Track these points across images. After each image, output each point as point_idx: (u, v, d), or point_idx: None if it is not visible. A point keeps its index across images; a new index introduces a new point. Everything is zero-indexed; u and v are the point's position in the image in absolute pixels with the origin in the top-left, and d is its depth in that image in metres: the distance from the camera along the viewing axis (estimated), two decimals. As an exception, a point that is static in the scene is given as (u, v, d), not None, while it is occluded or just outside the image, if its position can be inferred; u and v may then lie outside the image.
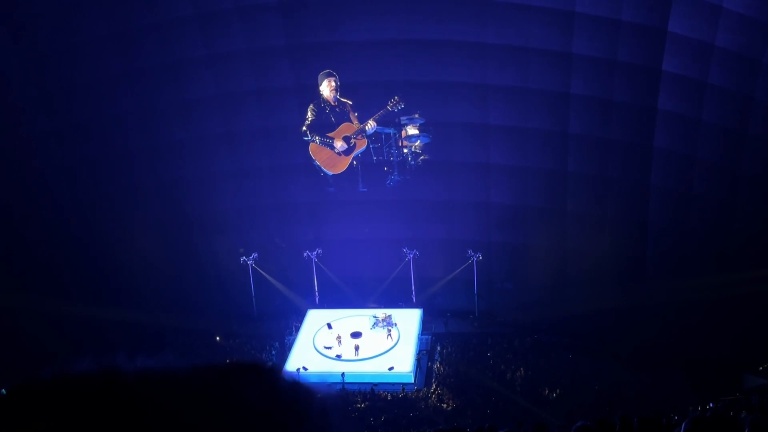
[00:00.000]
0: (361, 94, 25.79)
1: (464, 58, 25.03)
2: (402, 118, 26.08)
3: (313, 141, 26.44)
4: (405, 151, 26.78)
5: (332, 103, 26.17)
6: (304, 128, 26.36)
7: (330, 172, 26.89)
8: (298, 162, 27.09)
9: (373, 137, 26.56)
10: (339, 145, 26.38)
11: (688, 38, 22.98)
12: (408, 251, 28.14)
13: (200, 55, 25.73)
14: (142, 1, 24.65)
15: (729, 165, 24.48)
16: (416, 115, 26.02)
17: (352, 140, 26.47)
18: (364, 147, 26.60)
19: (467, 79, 25.39)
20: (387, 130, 26.46)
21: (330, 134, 26.50)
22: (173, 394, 1.40)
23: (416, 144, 26.62)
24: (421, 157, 26.70)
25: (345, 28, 25.06)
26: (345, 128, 26.45)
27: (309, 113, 26.33)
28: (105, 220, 27.07)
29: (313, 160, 26.71)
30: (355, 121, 26.29)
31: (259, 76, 26.20)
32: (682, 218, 25.67)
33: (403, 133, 26.43)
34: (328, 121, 26.35)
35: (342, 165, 26.79)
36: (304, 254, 28.46)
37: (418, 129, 26.32)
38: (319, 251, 28.53)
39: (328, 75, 25.94)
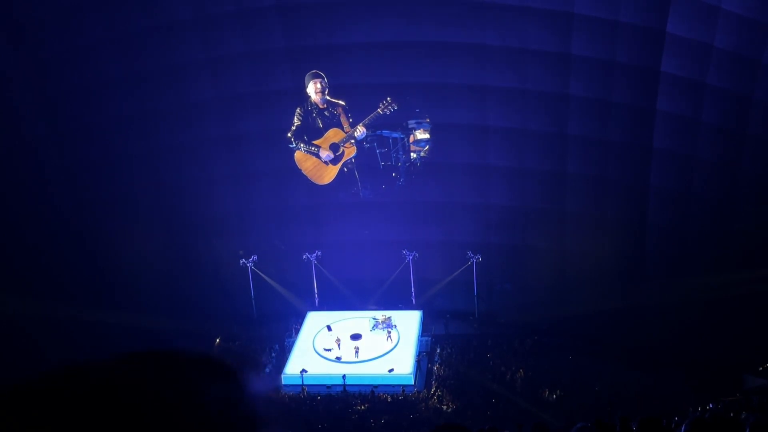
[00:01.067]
0: (361, 97, 25.75)
1: (463, 60, 25.02)
2: (410, 122, 25.79)
3: (298, 149, 25.95)
4: (413, 156, 26.51)
5: (320, 106, 25.48)
6: (289, 135, 25.93)
7: (317, 184, 26.39)
8: (298, 164, 27.10)
9: (380, 142, 26.21)
10: (325, 155, 25.65)
11: (686, 39, 23.00)
12: (407, 253, 28.08)
13: (200, 58, 25.74)
14: (142, 4, 24.68)
15: (729, 165, 24.48)
16: (426, 120, 25.78)
17: (341, 148, 25.84)
18: (354, 154, 26.07)
19: (466, 80, 25.38)
20: (394, 135, 26.06)
21: (316, 142, 25.92)
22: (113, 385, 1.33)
23: (425, 149, 26.43)
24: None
25: (344, 30, 25.02)
26: (333, 134, 25.81)
27: (295, 118, 25.55)
28: (105, 222, 27.06)
29: (299, 170, 26.39)
30: (346, 125, 25.70)
31: (259, 78, 26.20)
32: (682, 218, 25.66)
33: (412, 137, 26.17)
34: (315, 125, 25.76)
35: (329, 175, 26.20)
36: (304, 256, 28.41)
37: (429, 133, 26.04)
38: (319, 253, 28.48)
39: (315, 76, 25.17)
